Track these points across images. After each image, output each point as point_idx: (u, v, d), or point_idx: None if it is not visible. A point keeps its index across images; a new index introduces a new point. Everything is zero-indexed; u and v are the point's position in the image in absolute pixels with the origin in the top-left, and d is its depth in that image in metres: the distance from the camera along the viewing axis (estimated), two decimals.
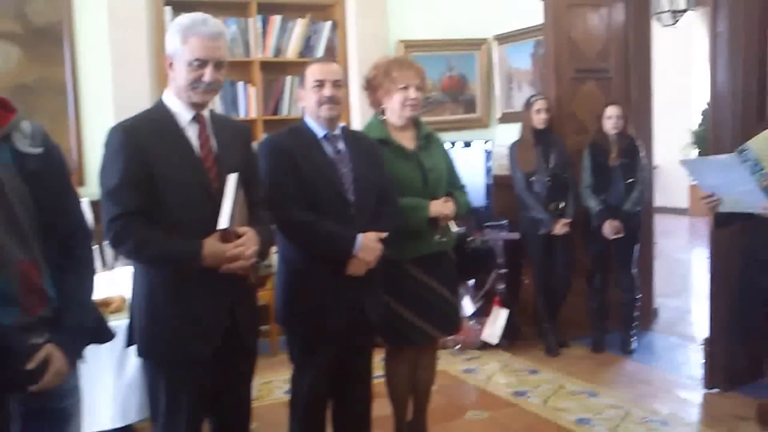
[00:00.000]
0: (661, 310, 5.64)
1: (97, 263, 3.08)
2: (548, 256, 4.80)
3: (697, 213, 10.00)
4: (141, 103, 2.91)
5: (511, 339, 4.97)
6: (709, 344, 4.13)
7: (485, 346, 4.94)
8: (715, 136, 4.03)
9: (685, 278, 7.29)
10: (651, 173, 5.16)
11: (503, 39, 5.63)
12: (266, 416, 3.65)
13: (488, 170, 5.20)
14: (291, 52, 5.22)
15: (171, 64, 2.34)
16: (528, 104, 4.80)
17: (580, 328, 4.97)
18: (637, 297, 4.88)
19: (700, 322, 5.08)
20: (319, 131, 2.82)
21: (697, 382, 4.21)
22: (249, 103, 5.11)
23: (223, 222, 2.23)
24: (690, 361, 4.60)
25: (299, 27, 5.23)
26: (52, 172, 1.87)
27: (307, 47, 5.27)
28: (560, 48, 4.96)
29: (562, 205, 4.73)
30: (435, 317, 3.14)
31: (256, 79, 5.10)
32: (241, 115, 5.05)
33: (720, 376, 4.08)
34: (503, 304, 4.94)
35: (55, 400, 1.90)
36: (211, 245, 2.24)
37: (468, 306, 4.88)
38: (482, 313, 5.00)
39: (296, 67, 4.95)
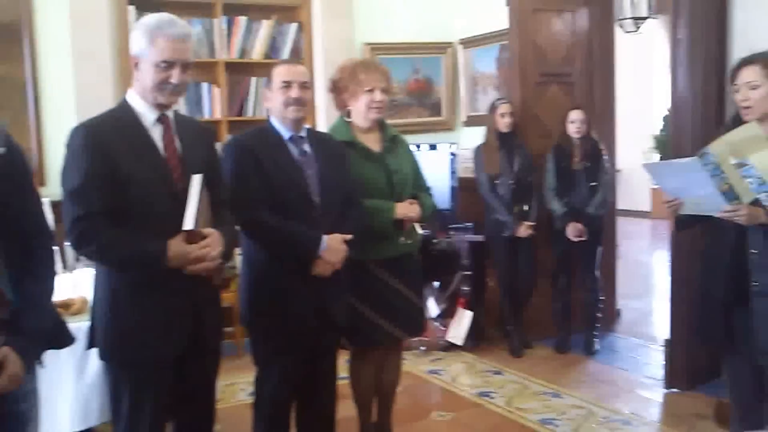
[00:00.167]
0: (623, 311, 5.73)
1: (58, 264, 3.02)
2: (512, 258, 4.84)
3: (659, 216, 10.16)
4: (103, 103, 2.88)
5: (475, 340, 4.99)
6: (670, 345, 4.20)
7: (450, 347, 4.96)
8: (676, 141, 4.10)
9: (646, 280, 7.40)
10: (614, 177, 5.22)
11: (469, 43, 5.67)
12: (230, 418, 3.62)
13: (453, 173, 5.22)
14: (256, 53, 5.19)
15: (137, 65, 2.32)
16: (493, 108, 4.82)
17: (544, 329, 5.01)
18: (600, 298, 4.94)
19: (661, 324, 5.15)
20: (285, 133, 2.81)
21: (658, 382, 4.28)
22: (213, 104, 5.07)
23: (188, 223, 2.21)
24: (651, 362, 4.66)
25: (265, 28, 5.20)
26: (14, 173, 1.84)
27: (272, 49, 5.24)
28: (525, 52, 5.00)
29: (526, 207, 4.77)
30: (400, 318, 3.14)
31: (221, 80, 5.06)
32: (206, 116, 5.01)
33: (680, 376, 4.16)
34: (468, 306, 4.98)
35: (11, 404, 1.86)
36: (176, 246, 2.22)
37: (433, 307, 4.90)
38: (447, 315, 5.03)
39: (262, 69, 4.92)
